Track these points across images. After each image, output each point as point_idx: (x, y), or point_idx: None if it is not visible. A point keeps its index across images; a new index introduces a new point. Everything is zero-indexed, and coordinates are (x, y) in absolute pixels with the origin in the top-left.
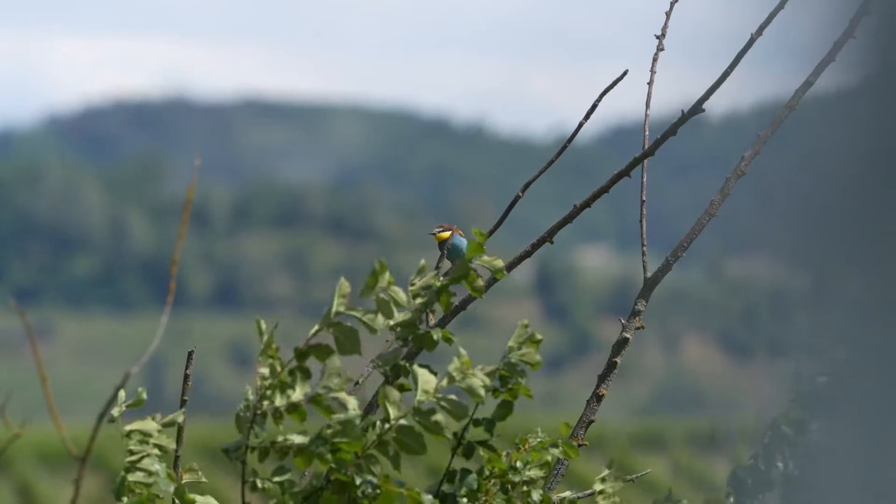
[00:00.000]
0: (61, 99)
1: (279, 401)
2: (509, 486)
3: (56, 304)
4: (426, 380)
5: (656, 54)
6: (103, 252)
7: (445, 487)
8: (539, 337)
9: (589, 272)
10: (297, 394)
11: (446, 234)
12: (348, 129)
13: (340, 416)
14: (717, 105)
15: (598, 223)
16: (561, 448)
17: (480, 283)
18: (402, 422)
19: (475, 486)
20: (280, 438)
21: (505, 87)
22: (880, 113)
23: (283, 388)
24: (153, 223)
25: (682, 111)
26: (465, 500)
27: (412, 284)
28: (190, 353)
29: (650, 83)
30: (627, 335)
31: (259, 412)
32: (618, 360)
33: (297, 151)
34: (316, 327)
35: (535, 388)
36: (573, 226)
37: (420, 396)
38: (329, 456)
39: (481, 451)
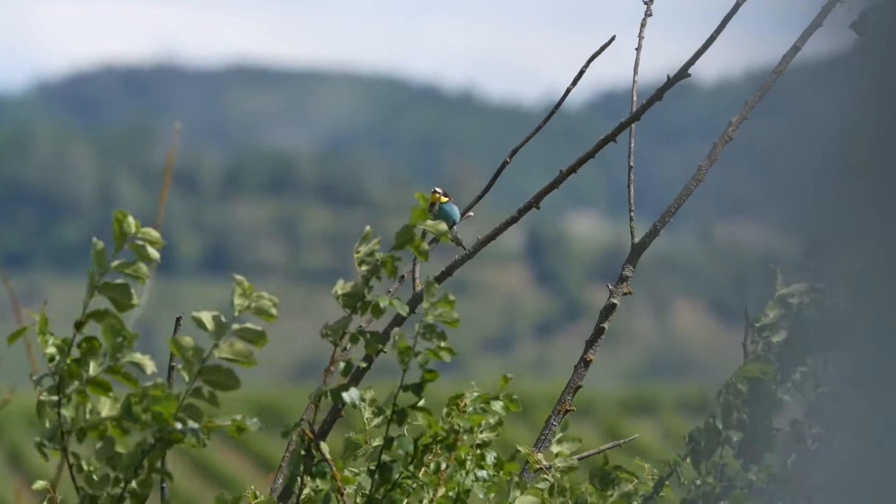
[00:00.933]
0: (50, 64)
1: (76, 383)
2: (462, 453)
3: (45, 269)
4: (208, 319)
5: (644, 19)
6: (93, 217)
7: (384, 456)
8: (452, 298)
9: (579, 238)
10: (93, 368)
11: (440, 197)
12: (339, 96)
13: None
14: (709, 71)
15: (589, 189)
16: (503, 402)
17: (426, 246)
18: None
19: (411, 449)
20: (89, 416)
21: (496, 54)
22: (872, 77)
23: (78, 365)
24: (143, 189)
25: (668, 76)
26: (407, 466)
27: (357, 252)
28: (178, 319)
29: (638, 48)
30: (615, 301)
31: (63, 395)
32: (605, 325)
33: (287, 118)
34: (86, 294)
35: (526, 354)
36: (563, 192)
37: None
38: (146, 417)
39: (420, 417)
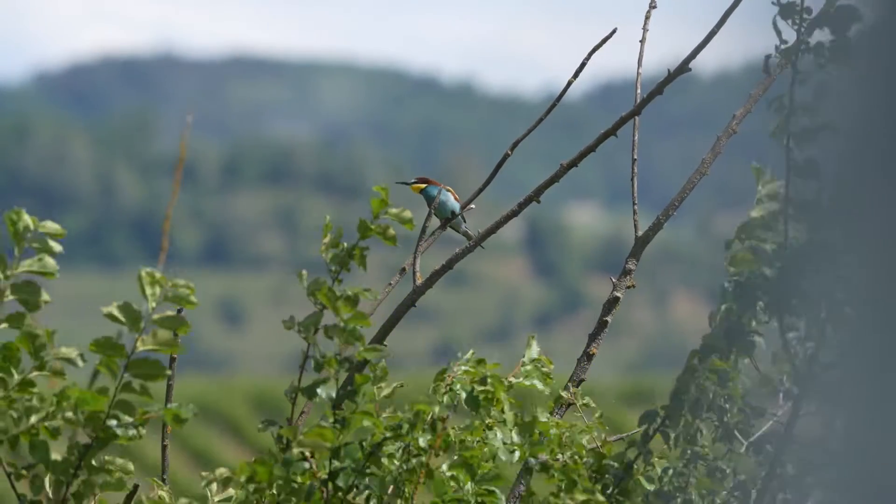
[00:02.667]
0: (50, 55)
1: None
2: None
3: None
4: (129, 314)
5: (648, 12)
6: (92, 209)
7: (334, 464)
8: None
9: (578, 229)
10: (15, 374)
11: (422, 186)
12: (338, 87)
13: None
14: (708, 63)
15: (588, 181)
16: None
17: (392, 232)
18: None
19: (359, 455)
20: (13, 422)
21: (495, 45)
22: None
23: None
24: (142, 180)
25: (669, 70)
26: (360, 470)
27: (323, 245)
28: (178, 311)
29: (642, 41)
30: (618, 294)
31: None
32: (608, 319)
33: (286, 109)
34: None
35: (524, 345)
36: (563, 183)
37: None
38: (77, 417)
39: (364, 419)
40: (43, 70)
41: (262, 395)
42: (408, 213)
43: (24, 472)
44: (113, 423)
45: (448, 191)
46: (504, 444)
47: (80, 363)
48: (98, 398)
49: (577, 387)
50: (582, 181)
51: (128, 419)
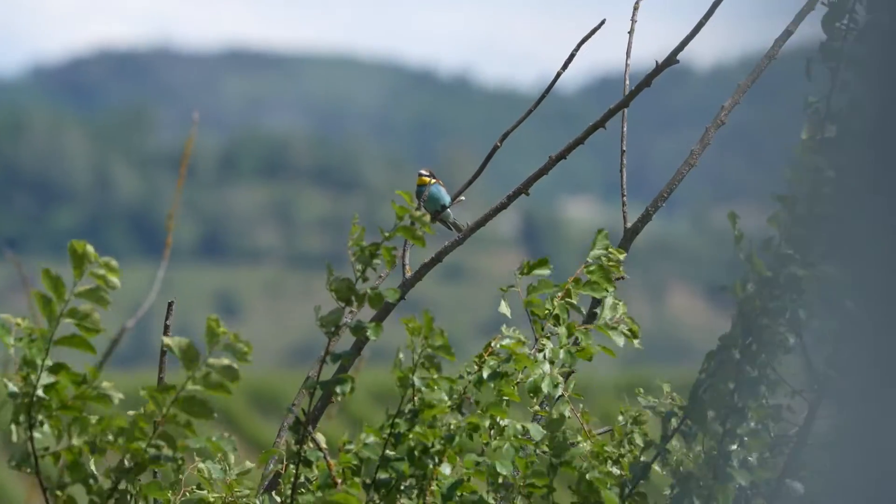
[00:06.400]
0: (47, 49)
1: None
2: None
3: (40, 254)
4: (188, 353)
5: (637, 4)
6: (88, 202)
7: (380, 474)
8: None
9: (574, 223)
10: (55, 397)
11: (427, 179)
12: (335, 80)
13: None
14: (705, 57)
15: (584, 175)
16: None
17: (420, 233)
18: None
19: (406, 468)
20: (63, 441)
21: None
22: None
23: (51, 390)
24: (138, 174)
25: (657, 62)
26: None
27: (350, 245)
28: (170, 305)
29: (630, 32)
30: None
31: (34, 420)
32: (598, 311)
33: (282, 102)
34: (50, 324)
35: None
36: (558, 177)
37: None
38: (120, 442)
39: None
40: (40, 63)
41: (259, 388)
42: (427, 218)
43: (59, 491)
44: (152, 451)
45: (440, 185)
46: (546, 374)
47: (116, 400)
48: (140, 432)
49: (567, 379)
50: (577, 175)
51: (168, 453)
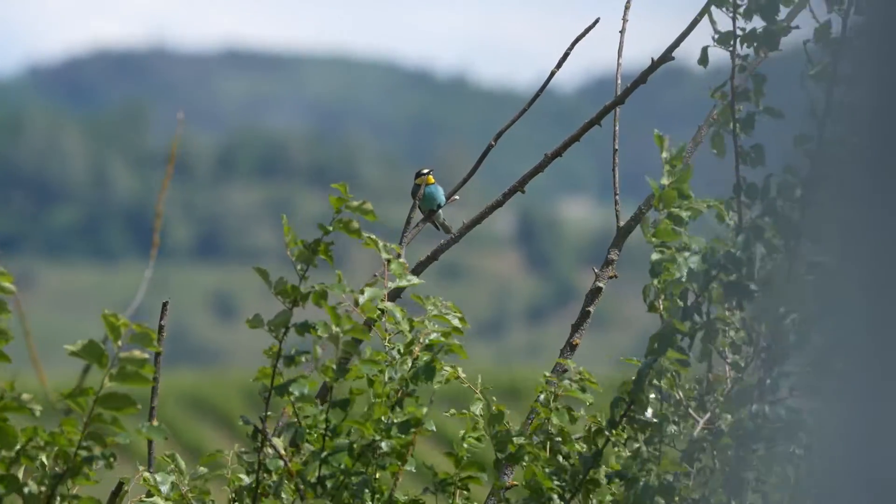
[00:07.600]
0: (43, 48)
1: None
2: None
3: (37, 253)
4: (93, 351)
5: (628, 3)
6: (85, 202)
7: (323, 470)
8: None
9: (571, 223)
10: None
11: (432, 179)
12: (332, 80)
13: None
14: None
15: (581, 174)
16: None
17: (356, 224)
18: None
19: (347, 461)
20: None
21: (489, 38)
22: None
23: None
24: (135, 173)
25: (652, 58)
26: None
27: (288, 245)
28: (164, 304)
29: (622, 31)
30: (601, 284)
31: None
32: (591, 309)
33: (279, 101)
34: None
35: (517, 339)
36: (556, 177)
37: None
38: (48, 450)
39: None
40: (37, 63)
41: (255, 388)
42: (368, 205)
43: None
44: (83, 454)
45: (438, 186)
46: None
47: (38, 412)
48: (66, 437)
49: (560, 376)
50: (575, 175)
51: (98, 451)
